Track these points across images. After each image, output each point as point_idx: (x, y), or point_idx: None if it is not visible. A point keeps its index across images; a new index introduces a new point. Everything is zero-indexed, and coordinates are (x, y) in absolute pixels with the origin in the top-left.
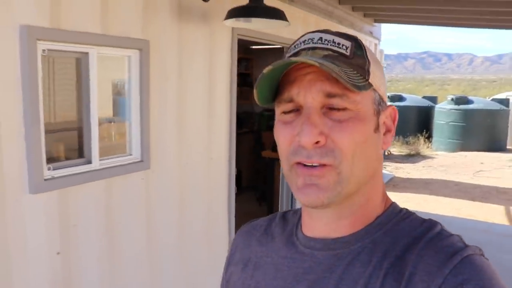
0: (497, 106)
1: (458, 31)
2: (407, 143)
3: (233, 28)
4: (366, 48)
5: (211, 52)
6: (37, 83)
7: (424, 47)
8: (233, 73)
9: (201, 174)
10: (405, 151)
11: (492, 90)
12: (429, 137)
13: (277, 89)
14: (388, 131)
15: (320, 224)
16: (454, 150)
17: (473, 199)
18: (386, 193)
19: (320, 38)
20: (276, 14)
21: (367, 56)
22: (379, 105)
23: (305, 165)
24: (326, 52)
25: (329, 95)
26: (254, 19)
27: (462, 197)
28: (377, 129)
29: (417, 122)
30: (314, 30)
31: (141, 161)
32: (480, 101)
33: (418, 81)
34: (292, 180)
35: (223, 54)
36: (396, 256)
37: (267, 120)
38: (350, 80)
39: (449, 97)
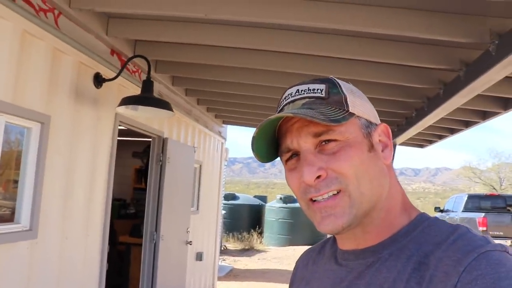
0: None
1: None
2: (241, 238)
3: (116, 115)
4: (341, 84)
5: (97, 135)
6: None
7: (250, 152)
8: (112, 156)
9: (79, 249)
10: (240, 246)
11: None
12: (261, 233)
13: (275, 143)
14: (385, 146)
15: (350, 241)
16: (284, 244)
17: None
18: (409, 203)
19: (297, 90)
20: (164, 104)
21: (343, 92)
22: (368, 127)
23: (317, 200)
24: (304, 101)
25: (317, 135)
26: (141, 108)
27: None
28: (371, 148)
29: (250, 219)
30: (292, 85)
31: (30, 230)
32: None
33: (245, 184)
34: (312, 216)
35: (106, 138)
36: (419, 261)
37: (118, 208)
38: (327, 118)
39: (278, 196)
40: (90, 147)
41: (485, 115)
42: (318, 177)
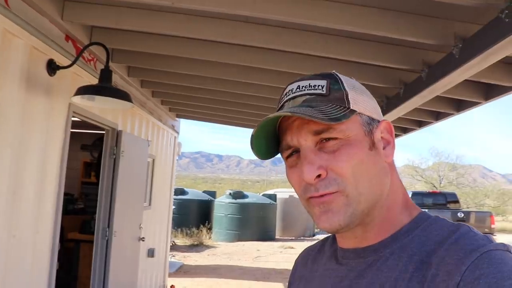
0: (267, 201)
1: (227, 135)
2: (190, 234)
3: (69, 105)
4: (343, 80)
5: (49, 126)
6: None
7: (197, 147)
8: (65, 150)
9: (27, 248)
10: (189, 242)
11: (259, 189)
12: (210, 228)
13: (275, 140)
14: (387, 143)
15: (350, 240)
16: (233, 240)
17: (257, 279)
18: (410, 202)
19: (298, 87)
20: (123, 95)
21: (344, 88)
22: (370, 124)
23: (316, 197)
24: (304, 98)
25: (317, 133)
26: (98, 98)
27: (248, 279)
28: (372, 146)
29: (199, 215)
30: (294, 80)
31: None
32: (254, 196)
33: (192, 179)
34: (311, 212)
35: (59, 130)
36: (421, 260)
37: (66, 203)
38: (326, 116)
39: (227, 192)
40: (41, 138)
41: (438, 116)
42: (318, 176)
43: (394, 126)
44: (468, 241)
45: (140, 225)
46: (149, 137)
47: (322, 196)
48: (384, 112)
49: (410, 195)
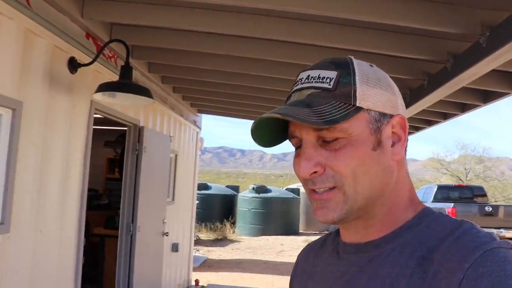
0: (291, 195)
1: (250, 129)
2: (214, 228)
3: (91, 102)
4: (356, 71)
5: (72, 123)
6: None
7: (220, 142)
8: (87, 147)
9: (53, 243)
10: (213, 236)
11: (282, 183)
12: (233, 223)
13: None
14: (398, 140)
15: (352, 233)
16: (256, 234)
17: (281, 274)
18: (416, 198)
19: (308, 77)
20: (143, 91)
21: (354, 82)
22: (379, 121)
23: (316, 192)
24: (309, 91)
25: (317, 129)
26: (119, 95)
27: (272, 273)
28: (377, 146)
29: (222, 209)
30: (306, 68)
31: (1, 223)
32: (277, 190)
33: (215, 174)
34: (311, 202)
35: (81, 127)
36: (422, 256)
37: (90, 199)
38: (322, 118)
39: (251, 186)
40: (65, 135)
41: (464, 108)
42: (315, 172)
43: (418, 119)
44: (471, 238)
45: (163, 220)
46: (171, 132)
47: (320, 192)
48: (408, 105)
49: (435, 189)
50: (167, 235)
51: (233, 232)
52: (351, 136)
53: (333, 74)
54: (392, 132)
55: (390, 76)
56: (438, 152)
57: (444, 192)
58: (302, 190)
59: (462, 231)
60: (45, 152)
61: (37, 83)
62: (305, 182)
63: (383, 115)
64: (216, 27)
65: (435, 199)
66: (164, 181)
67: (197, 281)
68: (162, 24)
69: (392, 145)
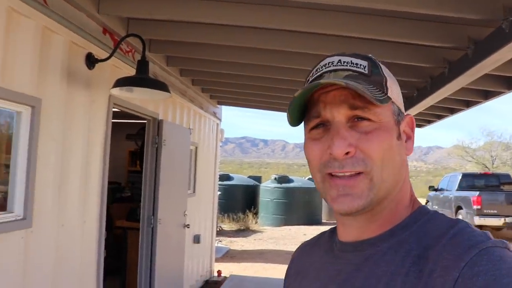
0: (313, 185)
1: (272, 119)
2: (236, 219)
3: (110, 97)
4: (381, 65)
5: (90, 119)
6: None
7: (243, 132)
8: (107, 140)
9: (75, 237)
10: (236, 227)
11: (305, 173)
12: (256, 213)
13: (303, 111)
14: (408, 138)
15: (352, 229)
16: (279, 224)
17: None
18: (414, 196)
19: (339, 61)
20: (160, 85)
21: (383, 73)
22: (398, 115)
23: (338, 177)
24: (347, 73)
25: (353, 107)
26: (137, 89)
27: None
28: (399, 137)
29: (245, 200)
30: (332, 54)
31: (23, 219)
32: (299, 180)
33: (238, 164)
34: (326, 191)
35: (100, 122)
36: (418, 255)
37: (113, 192)
38: (373, 96)
39: (273, 177)
40: (84, 130)
41: (487, 95)
42: (347, 153)
43: (440, 107)
44: (466, 237)
45: (184, 212)
46: (190, 125)
47: (345, 176)
48: (429, 93)
49: (459, 177)
50: (188, 227)
51: (256, 222)
52: (381, 121)
53: (364, 62)
54: (403, 130)
55: (409, 65)
56: (463, 139)
57: (469, 180)
58: None
59: (458, 230)
60: (65, 148)
61: (55, 79)
62: (327, 164)
63: (400, 111)
64: (232, 19)
65: (460, 188)
66: (185, 174)
67: (219, 272)
68: (177, 18)
69: (405, 142)
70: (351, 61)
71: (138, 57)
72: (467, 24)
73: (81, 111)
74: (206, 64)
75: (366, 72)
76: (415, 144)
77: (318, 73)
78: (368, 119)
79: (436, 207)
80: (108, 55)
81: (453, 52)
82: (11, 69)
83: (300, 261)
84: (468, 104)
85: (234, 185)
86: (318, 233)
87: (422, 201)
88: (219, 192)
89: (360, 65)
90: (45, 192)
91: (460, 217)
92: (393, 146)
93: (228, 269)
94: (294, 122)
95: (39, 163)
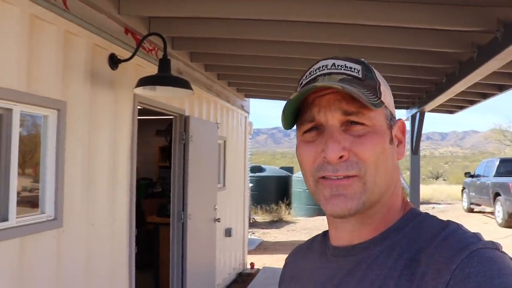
0: None
1: None
2: (269, 210)
3: (134, 96)
4: (374, 70)
5: (116, 118)
6: None
7: (274, 123)
8: (133, 138)
9: (106, 235)
10: (269, 218)
11: None
12: (289, 204)
13: (296, 114)
14: (399, 142)
15: (344, 233)
16: (312, 215)
17: None
18: (406, 199)
19: (333, 64)
20: (182, 83)
21: (376, 78)
22: (391, 120)
23: (331, 178)
24: (341, 76)
25: (346, 113)
26: (160, 88)
27: None
28: (391, 141)
29: (277, 191)
30: (326, 57)
31: (55, 219)
32: None
33: (271, 154)
34: (319, 193)
35: (126, 120)
36: (410, 257)
37: (145, 188)
38: (368, 100)
39: None
40: (110, 130)
41: None
42: (341, 157)
43: (472, 92)
44: (458, 239)
45: (215, 206)
46: (218, 119)
47: (338, 178)
48: (457, 79)
49: (497, 163)
50: (218, 221)
51: (289, 213)
52: (374, 125)
53: (358, 66)
54: (395, 135)
55: (436, 51)
56: (500, 123)
57: (507, 166)
58: None
59: (449, 232)
60: (92, 148)
61: (79, 82)
62: (320, 168)
63: (392, 115)
64: (252, 13)
65: (497, 173)
66: (213, 168)
67: (252, 264)
68: (197, 15)
69: (397, 146)
70: (345, 64)
71: (160, 55)
72: (496, 5)
73: (106, 111)
74: (230, 59)
75: (360, 76)
76: (450, 129)
77: (312, 76)
78: (362, 124)
79: (473, 193)
80: (130, 54)
81: (482, 35)
82: (36, 75)
83: (294, 265)
84: (501, 88)
85: (266, 177)
86: None
87: (459, 188)
88: (251, 184)
89: (354, 69)
90: (74, 192)
91: (498, 204)
92: (386, 150)
93: (261, 261)
94: (287, 125)
95: (67, 164)
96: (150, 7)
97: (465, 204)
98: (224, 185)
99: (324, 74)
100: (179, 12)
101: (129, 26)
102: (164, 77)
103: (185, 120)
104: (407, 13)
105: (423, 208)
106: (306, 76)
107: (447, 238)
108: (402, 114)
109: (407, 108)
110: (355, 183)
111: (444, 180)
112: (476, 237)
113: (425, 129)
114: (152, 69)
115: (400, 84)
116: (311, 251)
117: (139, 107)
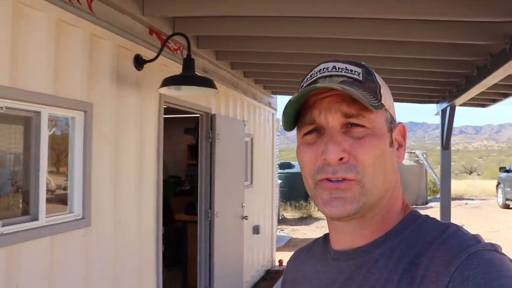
0: None
1: None
2: (298, 207)
3: (160, 96)
4: (374, 72)
5: (142, 118)
6: None
7: None
8: (160, 138)
9: (133, 233)
10: (298, 215)
11: None
12: None
13: (297, 116)
14: (400, 146)
15: (345, 236)
16: None
17: None
18: (406, 202)
19: (334, 67)
20: (206, 82)
21: (377, 80)
22: (391, 123)
23: (330, 181)
24: (342, 79)
25: (347, 115)
26: (184, 87)
27: None
28: (391, 144)
29: None
30: (326, 60)
31: (83, 218)
32: None
33: None
34: (318, 196)
35: (152, 120)
36: (410, 261)
37: (174, 186)
38: (369, 102)
39: None
40: (136, 130)
41: None
42: (341, 159)
43: (504, 85)
44: (456, 242)
45: (242, 204)
46: (244, 117)
47: (338, 181)
48: (489, 72)
49: None
50: (246, 219)
51: (318, 210)
52: (374, 128)
53: (358, 69)
54: (395, 138)
55: (466, 44)
56: None
57: None
58: None
59: (448, 234)
60: (118, 148)
61: (105, 83)
62: (320, 170)
63: (393, 118)
64: (276, 10)
65: None
66: (241, 166)
67: (280, 261)
68: (221, 13)
69: (397, 149)
70: (345, 67)
71: (185, 54)
72: None
73: (132, 112)
74: (256, 56)
75: (361, 78)
76: (484, 122)
77: (313, 79)
78: (362, 126)
79: (509, 189)
80: (155, 55)
81: None
82: (63, 78)
83: (295, 268)
84: None
85: (295, 173)
86: None
87: (493, 183)
88: (280, 181)
89: (355, 71)
90: (102, 192)
91: None
92: (385, 153)
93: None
94: (288, 126)
95: (94, 165)
96: (174, 7)
97: (500, 200)
98: (251, 183)
99: (325, 77)
100: (202, 11)
101: (153, 26)
102: (188, 76)
103: (211, 118)
104: (435, 6)
105: (455, 205)
106: (307, 79)
107: (446, 240)
108: (432, 109)
109: (437, 102)
110: (353, 186)
111: (478, 175)
112: (476, 239)
113: (458, 123)
114: (177, 69)
115: (429, 78)
116: (312, 254)
117: (165, 106)
